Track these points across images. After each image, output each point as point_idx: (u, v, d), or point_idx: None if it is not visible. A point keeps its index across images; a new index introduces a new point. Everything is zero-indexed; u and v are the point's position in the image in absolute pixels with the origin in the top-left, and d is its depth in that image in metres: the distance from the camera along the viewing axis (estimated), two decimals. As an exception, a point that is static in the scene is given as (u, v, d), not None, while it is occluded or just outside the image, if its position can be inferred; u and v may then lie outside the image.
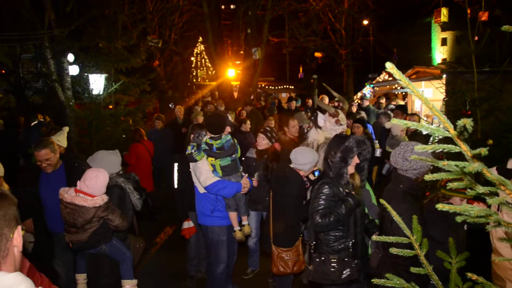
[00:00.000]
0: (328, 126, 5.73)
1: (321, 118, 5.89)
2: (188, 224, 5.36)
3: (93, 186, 3.85)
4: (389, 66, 1.01)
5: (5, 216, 1.54)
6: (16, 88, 19.10)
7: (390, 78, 21.91)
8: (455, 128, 0.99)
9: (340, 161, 3.60)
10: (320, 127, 5.78)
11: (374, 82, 20.03)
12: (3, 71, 19.77)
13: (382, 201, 1.83)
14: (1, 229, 1.52)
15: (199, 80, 24.92)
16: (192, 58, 25.31)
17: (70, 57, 12.47)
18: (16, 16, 15.77)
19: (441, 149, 1.03)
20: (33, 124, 11.59)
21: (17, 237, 1.58)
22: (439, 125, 1.07)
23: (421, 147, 1.03)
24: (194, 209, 5.05)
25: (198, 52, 25.18)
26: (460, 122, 0.95)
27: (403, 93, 17.35)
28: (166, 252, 7.14)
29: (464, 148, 1.03)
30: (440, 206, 1.12)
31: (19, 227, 1.60)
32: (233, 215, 4.70)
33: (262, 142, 5.49)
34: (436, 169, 1.21)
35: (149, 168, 9.19)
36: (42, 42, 12.27)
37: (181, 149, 8.62)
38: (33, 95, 19.58)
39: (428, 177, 1.17)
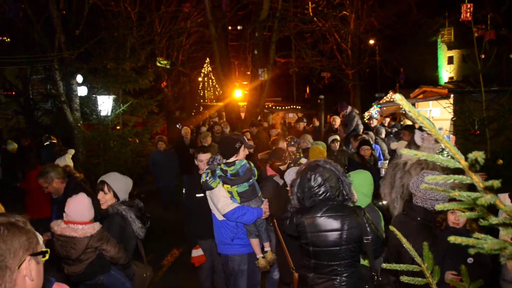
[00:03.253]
0: (426, 145, 5.11)
1: (418, 136, 5.31)
2: (197, 252, 5.09)
3: (73, 212, 3.67)
4: (399, 98, 0.99)
5: (10, 249, 1.51)
6: (25, 109, 19.33)
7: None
8: (466, 159, 0.97)
9: None
10: (418, 146, 5.24)
11: (381, 101, 20.03)
12: (14, 93, 20.05)
13: (397, 232, 1.78)
14: (3, 261, 1.50)
15: (206, 100, 25.08)
16: (200, 79, 25.54)
17: (79, 78, 12.62)
18: (27, 39, 16.08)
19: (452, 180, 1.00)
20: (45, 144, 11.66)
21: (27, 267, 1.56)
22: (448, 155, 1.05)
23: (432, 178, 1.00)
24: (205, 237, 4.93)
25: (206, 73, 25.41)
26: (472, 155, 0.92)
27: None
28: (174, 274, 7.06)
29: (476, 179, 1.00)
30: (452, 239, 1.09)
31: (28, 258, 1.57)
32: (255, 242, 4.50)
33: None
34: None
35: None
36: (52, 64, 12.44)
37: (188, 171, 8.64)
38: (42, 116, 19.79)
39: (439, 207, 1.14)
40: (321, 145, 7.82)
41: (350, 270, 3.19)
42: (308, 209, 3.30)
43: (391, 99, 20.46)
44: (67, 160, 6.55)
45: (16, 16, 11.27)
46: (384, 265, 1.79)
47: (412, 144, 5.43)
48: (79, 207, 3.69)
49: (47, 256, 1.65)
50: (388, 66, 26.15)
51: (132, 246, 4.03)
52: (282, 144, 6.62)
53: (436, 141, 5.10)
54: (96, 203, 4.53)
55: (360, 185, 3.86)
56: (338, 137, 9.07)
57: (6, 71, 19.21)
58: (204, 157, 4.96)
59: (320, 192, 3.26)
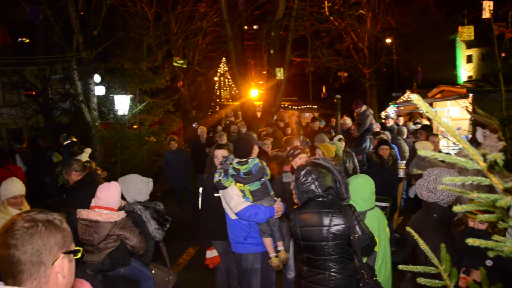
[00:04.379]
0: (488, 143, 4.99)
1: (480, 133, 5.16)
2: (211, 253, 5.07)
3: (105, 197, 3.83)
4: (415, 98, 0.98)
5: (45, 245, 1.57)
6: (45, 108, 19.62)
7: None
8: (485, 160, 0.95)
9: None
10: (479, 143, 5.09)
11: (398, 101, 19.84)
12: (34, 92, 20.38)
13: (412, 232, 1.76)
14: (39, 256, 1.56)
15: (222, 100, 25.15)
16: (216, 78, 25.61)
17: (97, 77, 12.78)
18: (47, 40, 16.34)
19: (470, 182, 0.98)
20: (65, 143, 11.83)
21: (60, 264, 1.61)
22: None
23: (450, 179, 0.99)
24: (219, 238, 4.92)
25: (222, 72, 25.48)
26: (491, 157, 0.91)
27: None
28: (190, 273, 7.10)
29: (495, 181, 0.98)
30: (470, 241, 1.07)
31: (62, 256, 1.62)
32: (268, 241, 4.50)
33: (298, 162, 5.04)
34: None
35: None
36: (70, 64, 12.61)
37: (204, 170, 8.67)
38: (61, 115, 20.06)
39: (457, 208, 1.12)
40: (337, 145, 7.77)
41: (339, 266, 3.28)
42: (301, 205, 3.48)
43: (408, 99, 20.29)
44: (82, 159, 6.62)
45: (36, 18, 11.47)
46: (400, 267, 1.77)
47: (473, 142, 5.23)
48: (110, 193, 3.86)
49: (79, 255, 1.71)
50: (405, 65, 25.85)
51: (150, 245, 4.07)
52: (296, 143, 6.62)
53: (499, 139, 4.86)
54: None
55: (358, 189, 3.86)
56: (342, 137, 9.01)
57: (26, 71, 19.56)
58: (219, 153, 4.98)
59: (310, 189, 3.40)
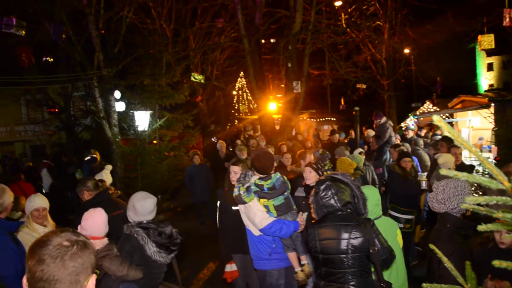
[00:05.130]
0: None
1: None
2: (230, 268, 5.02)
3: (89, 226, 3.69)
4: (437, 119, 0.98)
5: (83, 265, 1.61)
6: (67, 125, 20.00)
7: (434, 108, 21.47)
8: (510, 181, 0.94)
9: None
10: None
11: (417, 112, 19.64)
12: (56, 110, 20.82)
13: (438, 253, 1.74)
14: (77, 275, 1.60)
15: (241, 114, 25.28)
16: (234, 92, 25.78)
17: (117, 94, 12.99)
18: (69, 58, 16.75)
19: (494, 202, 0.97)
20: (86, 159, 12.01)
21: (91, 285, 1.66)
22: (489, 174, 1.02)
23: (473, 200, 0.98)
24: (238, 251, 4.91)
25: (240, 86, 25.64)
26: (516, 178, 0.90)
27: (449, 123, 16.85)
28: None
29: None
30: (497, 263, 1.05)
31: (94, 276, 1.68)
32: (292, 255, 4.46)
33: (310, 175, 5.12)
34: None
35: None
36: (92, 81, 12.86)
37: (223, 184, 8.66)
38: (82, 131, 20.40)
39: (482, 227, 1.10)
40: (357, 157, 7.73)
41: (358, 279, 3.27)
42: (320, 219, 3.50)
43: (428, 110, 20.07)
44: (103, 175, 6.70)
45: (59, 38, 11.75)
46: (424, 285, 1.74)
47: None
48: (95, 223, 3.73)
49: (96, 276, 1.74)
50: (424, 75, 25.62)
51: (148, 268, 3.81)
52: (309, 158, 6.60)
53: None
54: (119, 220, 4.59)
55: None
56: (363, 150, 8.95)
57: (49, 89, 20.04)
58: (233, 169, 4.96)
59: (329, 204, 3.44)
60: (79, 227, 3.76)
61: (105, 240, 3.74)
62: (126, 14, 13.53)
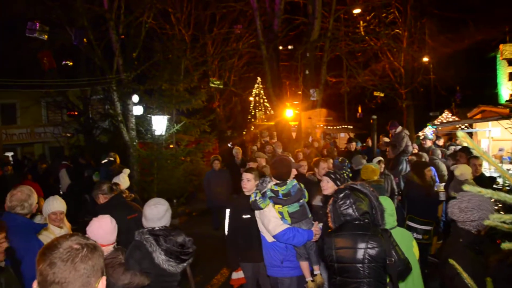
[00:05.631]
0: None
1: None
2: (237, 275, 5.05)
3: (95, 234, 3.67)
4: (461, 135, 0.96)
5: (94, 267, 1.64)
6: (85, 127, 20.26)
7: (453, 118, 21.19)
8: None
9: None
10: None
11: (436, 121, 19.40)
12: (76, 112, 21.14)
13: (459, 268, 1.71)
14: (88, 277, 1.62)
15: (257, 120, 25.28)
16: (251, 98, 25.81)
17: (135, 98, 13.14)
18: (89, 62, 17.02)
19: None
20: (103, 162, 12.10)
21: (102, 287, 1.69)
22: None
23: (498, 217, 0.95)
24: (247, 260, 4.90)
25: (257, 92, 25.67)
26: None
27: (468, 133, 16.58)
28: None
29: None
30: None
31: (104, 278, 1.70)
32: (304, 265, 4.42)
33: (327, 185, 4.95)
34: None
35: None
36: (110, 85, 13.02)
37: (238, 190, 8.59)
38: (100, 134, 20.63)
39: (506, 245, 1.08)
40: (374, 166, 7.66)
41: None
42: (337, 228, 3.46)
43: (447, 119, 19.82)
44: (120, 179, 6.70)
45: (80, 43, 11.98)
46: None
47: None
48: (101, 230, 3.72)
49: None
50: (443, 84, 25.30)
51: (157, 276, 3.75)
52: (324, 166, 6.54)
53: None
54: (133, 223, 4.59)
55: None
56: (382, 159, 8.85)
57: (69, 92, 20.36)
58: (246, 176, 4.95)
59: (347, 212, 3.40)
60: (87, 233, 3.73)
61: (110, 248, 3.73)
62: (146, 19, 13.71)
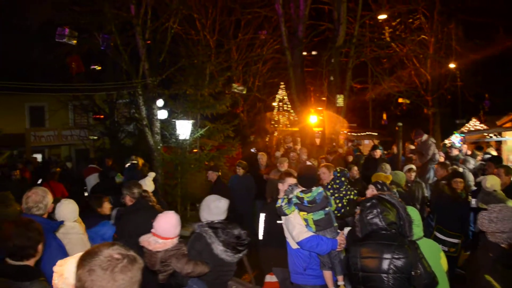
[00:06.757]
0: None
1: None
2: (270, 278, 5.05)
3: (160, 227, 3.96)
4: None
5: (132, 279, 1.63)
6: (111, 131, 20.56)
7: (481, 126, 20.70)
8: None
9: None
10: None
11: (463, 129, 18.99)
12: (102, 116, 21.50)
13: (488, 278, 1.65)
14: None
15: (281, 125, 25.21)
16: (274, 104, 25.77)
17: (160, 102, 13.29)
18: (116, 67, 17.32)
19: None
20: (127, 165, 12.20)
21: None
22: None
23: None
24: (279, 265, 4.89)
25: (281, 98, 25.61)
26: None
27: (497, 142, 16.16)
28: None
29: None
30: None
31: None
32: (327, 274, 4.42)
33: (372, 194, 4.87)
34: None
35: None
36: (136, 89, 13.19)
37: (262, 196, 8.55)
38: (125, 137, 20.90)
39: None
40: (399, 174, 7.52)
41: None
42: (363, 237, 3.47)
43: (475, 127, 19.40)
44: (146, 182, 6.74)
45: (108, 48, 12.19)
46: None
47: None
48: (166, 225, 3.99)
49: None
50: (471, 91, 24.74)
51: (215, 265, 4.08)
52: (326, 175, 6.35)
53: None
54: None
55: None
56: (414, 167, 8.69)
57: (95, 96, 20.75)
58: (288, 181, 4.87)
59: (374, 222, 3.38)
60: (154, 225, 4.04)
61: (175, 240, 4.01)
62: (172, 25, 13.86)
